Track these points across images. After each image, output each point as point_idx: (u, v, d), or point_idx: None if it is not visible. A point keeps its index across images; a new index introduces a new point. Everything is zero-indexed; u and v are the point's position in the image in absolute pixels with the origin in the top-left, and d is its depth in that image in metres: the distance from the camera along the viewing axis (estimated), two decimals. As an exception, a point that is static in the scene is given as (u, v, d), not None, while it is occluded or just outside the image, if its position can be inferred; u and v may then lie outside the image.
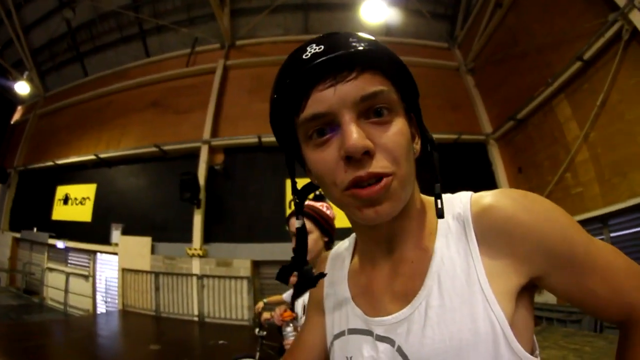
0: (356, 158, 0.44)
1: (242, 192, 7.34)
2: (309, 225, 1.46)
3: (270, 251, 6.89)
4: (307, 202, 1.52)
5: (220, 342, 5.43)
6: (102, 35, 10.95)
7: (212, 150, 7.64)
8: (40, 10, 11.42)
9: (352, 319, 0.61)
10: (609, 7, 4.61)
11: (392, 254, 0.57)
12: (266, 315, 3.07)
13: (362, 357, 0.57)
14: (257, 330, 3.08)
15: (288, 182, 4.52)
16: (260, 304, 3.09)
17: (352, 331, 0.60)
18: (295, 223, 1.52)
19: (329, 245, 1.49)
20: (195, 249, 7.11)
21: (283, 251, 6.78)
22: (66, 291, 8.72)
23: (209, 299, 7.03)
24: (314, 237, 1.44)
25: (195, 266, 7.12)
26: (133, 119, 9.19)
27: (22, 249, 11.48)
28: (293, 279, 2.15)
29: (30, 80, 12.07)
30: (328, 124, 0.46)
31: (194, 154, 7.70)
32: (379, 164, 0.45)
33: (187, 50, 9.19)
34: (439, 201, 0.50)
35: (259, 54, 8.56)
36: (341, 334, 0.62)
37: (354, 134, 0.43)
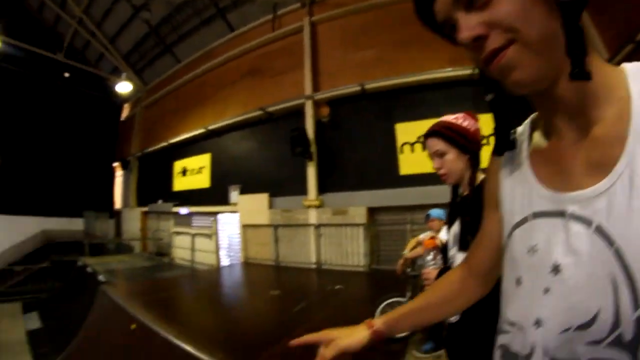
0: (472, 46, 0.46)
1: (351, 142, 7.36)
2: (441, 145, 1.33)
3: (385, 197, 6.88)
4: (440, 119, 1.40)
5: (337, 286, 5.58)
6: (182, 24, 11.61)
7: (317, 105, 7.75)
8: (119, 20, 12.63)
9: (536, 201, 0.53)
10: None
11: (578, 120, 0.49)
12: (416, 250, 3.12)
13: (549, 243, 0.49)
14: (408, 269, 3.08)
15: (397, 127, 5.00)
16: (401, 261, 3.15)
17: (537, 215, 0.53)
18: (433, 144, 1.31)
19: (474, 163, 1.30)
20: (311, 200, 7.42)
21: (397, 196, 6.72)
22: (192, 250, 9.75)
23: (325, 247, 7.31)
24: (450, 158, 1.31)
25: (312, 216, 7.45)
26: (233, 90, 9.76)
27: (151, 219, 13.33)
28: (433, 224, 2.65)
29: (129, 79, 13.58)
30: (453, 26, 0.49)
31: (299, 111, 7.91)
32: (494, 41, 0.45)
33: (269, 16, 9.25)
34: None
35: (343, 4, 8.34)
36: (523, 221, 0.55)
37: (461, 30, 0.46)
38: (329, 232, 7.27)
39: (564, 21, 0.43)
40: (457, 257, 1.26)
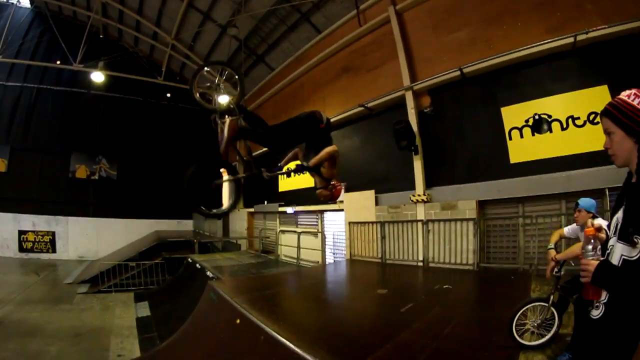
0: None
1: (457, 131, 6.91)
2: (608, 124, 1.27)
3: (496, 189, 6.27)
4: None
5: (445, 286, 5.28)
6: (270, 34, 12.20)
7: (417, 95, 7.46)
8: (209, 41, 13.88)
9: None
10: None
11: None
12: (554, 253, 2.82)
13: None
14: (555, 270, 2.78)
15: (504, 110, 4.26)
16: (553, 252, 2.83)
17: None
18: (603, 122, 1.31)
19: None
20: (419, 195, 7.16)
21: (509, 188, 6.11)
22: (298, 247, 10.08)
23: (433, 243, 7.01)
24: (617, 139, 1.24)
25: (420, 212, 7.18)
26: (329, 89, 10.00)
27: (257, 219, 14.56)
28: (579, 215, 2.53)
29: (227, 92, 14.92)
30: None
31: (399, 104, 7.72)
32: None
33: (353, 13, 9.19)
34: None
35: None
36: None
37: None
38: (437, 228, 6.95)
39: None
40: (617, 247, 1.18)
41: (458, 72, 6.66)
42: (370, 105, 8.31)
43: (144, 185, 17.93)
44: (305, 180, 10.93)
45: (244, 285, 5.79)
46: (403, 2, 7.99)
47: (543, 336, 2.89)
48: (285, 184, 12.14)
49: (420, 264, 7.17)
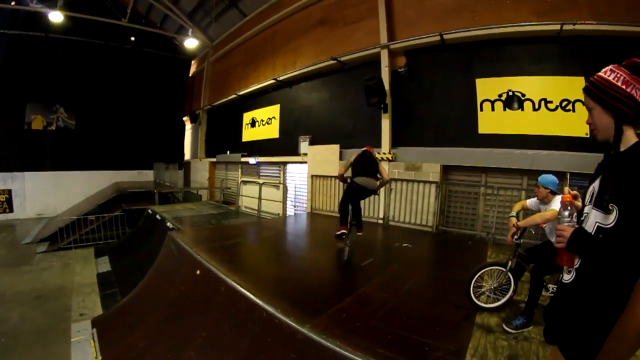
0: None
1: (429, 95, 7.03)
2: (588, 100, 1.31)
3: (461, 156, 6.56)
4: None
5: (405, 244, 5.46)
6: None
7: (392, 54, 7.42)
8: None
9: None
10: None
11: None
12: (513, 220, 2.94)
13: None
14: (515, 237, 2.89)
15: (478, 82, 4.48)
16: (514, 219, 2.94)
17: None
18: (584, 99, 1.35)
19: (619, 119, 1.22)
20: (384, 153, 7.33)
21: (474, 156, 6.40)
22: (259, 199, 9.95)
23: (395, 202, 7.26)
24: (596, 114, 1.29)
25: (384, 170, 7.39)
26: (303, 40, 9.65)
27: (219, 169, 14.24)
28: (538, 190, 2.96)
29: (195, 36, 13.90)
30: None
31: (374, 61, 7.66)
32: None
33: None
34: None
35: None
36: None
37: None
38: (400, 187, 7.18)
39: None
40: (591, 214, 1.22)
41: (438, 38, 6.67)
42: (343, 59, 8.18)
43: (104, 135, 16.92)
44: (269, 131, 10.77)
45: (204, 236, 5.74)
46: (393, -41, 7.65)
47: (498, 300, 3.06)
48: (249, 133, 11.88)
49: (381, 221, 7.36)
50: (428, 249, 5.75)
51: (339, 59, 8.20)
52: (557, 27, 5.53)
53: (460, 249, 5.49)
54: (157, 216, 9.39)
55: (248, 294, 3.11)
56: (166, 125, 18.49)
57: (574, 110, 5.51)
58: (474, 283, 3.04)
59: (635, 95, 1.20)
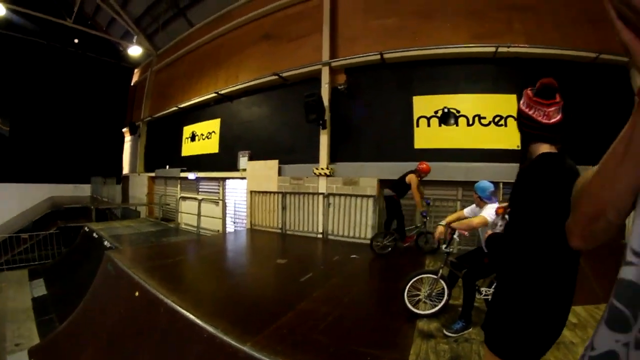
0: None
1: (367, 111, 7.15)
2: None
3: (397, 170, 6.72)
4: None
5: (352, 256, 5.56)
6: None
7: (333, 72, 7.51)
8: None
9: None
10: None
11: None
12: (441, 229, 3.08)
13: None
14: (443, 246, 3.08)
15: (415, 99, 4.97)
16: (441, 228, 3.07)
17: None
18: None
19: (525, 138, 1.40)
20: (322, 169, 7.28)
21: (410, 169, 6.58)
22: (198, 215, 9.54)
23: (334, 217, 7.22)
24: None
25: (322, 185, 7.33)
26: (247, 54, 9.51)
27: (158, 185, 13.33)
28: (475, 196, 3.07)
29: (140, 44, 13.32)
30: None
31: (315, 78, 7.68)
32: None
33: None
34: None
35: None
36: None
37: None
38: (338, 202, 7.17)
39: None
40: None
41: (378, 57, 6.88)
42: (285, 75, 8.13)
43: (41, 144, 15.33)
44: (209, 146, 10.35)
45: (143, 255, 5.64)
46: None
47: (435, 306, 3.16)
48: (189, 148, 11.32)
49: (320, 235, 7.33)
50: (368, 260, 5.81)
51: (281, 74, 8.14)
52: (493, 49, 5.98)
53: (400, 260, 5.61)
54: (94, 234, 8.93)
55: (188, 314, 3.07)
56: (105, 137, 17.21)
57: (506, 125, 5.94)
58: (408, 292, 3.13)
59: (535, 115, 1.32)
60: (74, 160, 16.41)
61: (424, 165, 5.57)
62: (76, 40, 15.70)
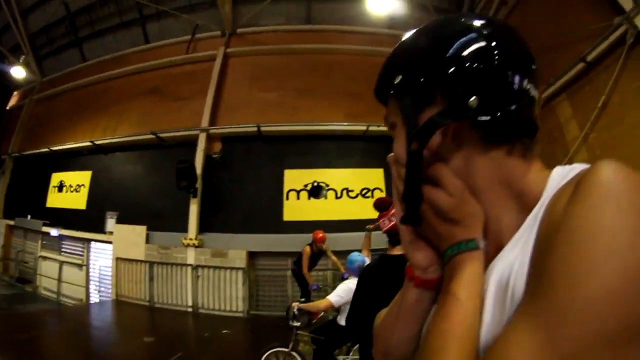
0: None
1: (239, 182, 7.26)
2: None
3: (267, 242, 6.87)
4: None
5: (224, 331, 5.50)
6: (101, 19, 10.72)
7: (210, 139, 7.55)
8: None
9: None
10: (615, 11, 4.54)
11: None
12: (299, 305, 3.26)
13: None
14: (291, 321, 3.20)
15: (286, 173, 5.66)
16: (295, 305, 3.23)
17: None
18: None
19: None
20: (191, 239, 7.04)
21: (279, 242, 6.76)
22: (59, 280, 8.63)
23: (203, 289, 6.97)
24: None
25: (190, 256, 7.06)
26: (131, 105, 9.08)
27: (16, 236, 11.32)
28: None
29: (26, 65, 11.87)
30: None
31: (191, 142, 7.60)
32: None
33: (187, 37, 9.07)
34: None
35: (260, 42, 8.43)
36: None
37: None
38: (208, 274, 6.98)
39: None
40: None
41: (255, 128, 7.16)
42: (163, 135, 7.92)
43: None
44: (76, 200, 9.30)
45: None
46: (235, 48, 8.25)
47: None
48: (55, 198, 10.00)
49: (190, 309, 6.99)
50: (239, 335, 5.83)
51: (159, 134, 7.88)
52: (364, 127, 6.61)
53: (272, 331, 5.58)
54: None
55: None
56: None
57: (372, 197, 6.49)
58: None
59: (381, 225, 1.79)
60: None
61: (320, 235, 5.53)
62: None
